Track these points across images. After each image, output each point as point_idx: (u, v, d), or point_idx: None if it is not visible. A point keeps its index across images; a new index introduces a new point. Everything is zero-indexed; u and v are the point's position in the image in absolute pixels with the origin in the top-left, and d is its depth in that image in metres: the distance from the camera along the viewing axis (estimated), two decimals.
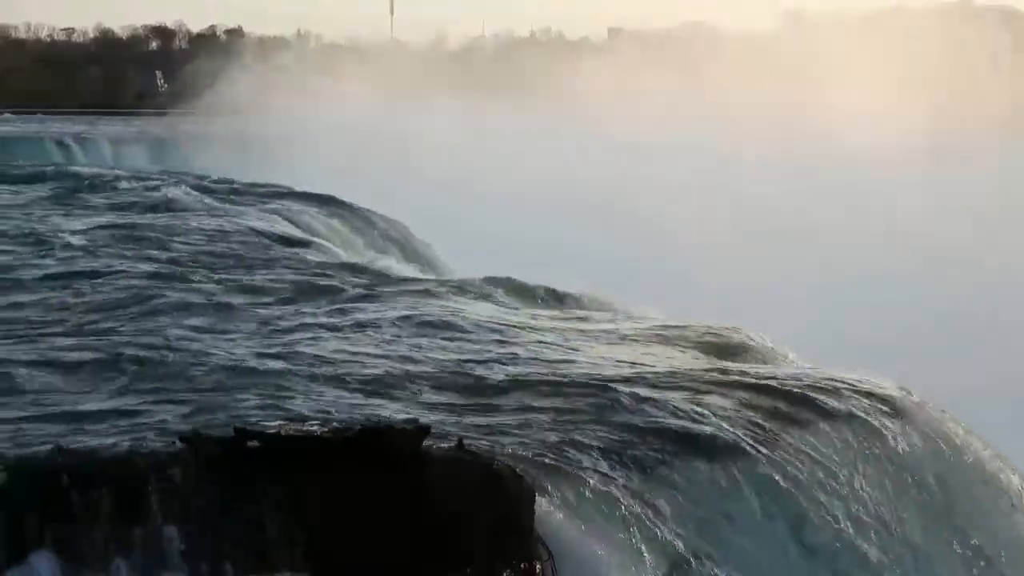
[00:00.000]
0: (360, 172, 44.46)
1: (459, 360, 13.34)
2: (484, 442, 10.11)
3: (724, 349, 15.12)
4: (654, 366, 13.53)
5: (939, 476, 12.30)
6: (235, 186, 34.96)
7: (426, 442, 9.16)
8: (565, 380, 12.69)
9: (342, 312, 15.95)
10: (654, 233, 39.82)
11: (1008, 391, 24.17)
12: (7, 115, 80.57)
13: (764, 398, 12.30)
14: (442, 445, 9.39)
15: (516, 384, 12.44)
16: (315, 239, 25.56)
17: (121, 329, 14.27)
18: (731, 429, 11.43)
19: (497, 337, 14.71)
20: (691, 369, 13.47)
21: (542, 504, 9.38)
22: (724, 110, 54.88)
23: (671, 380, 12.81)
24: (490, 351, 13.90)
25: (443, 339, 14.36)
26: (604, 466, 10.32)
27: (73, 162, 52.43)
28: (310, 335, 14.27)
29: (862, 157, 48.94)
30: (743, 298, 28.52)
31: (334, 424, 9.58)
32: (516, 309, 17.25)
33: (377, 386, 12.14)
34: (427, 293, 17.53)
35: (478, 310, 16.52)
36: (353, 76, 69.61)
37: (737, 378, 13.02)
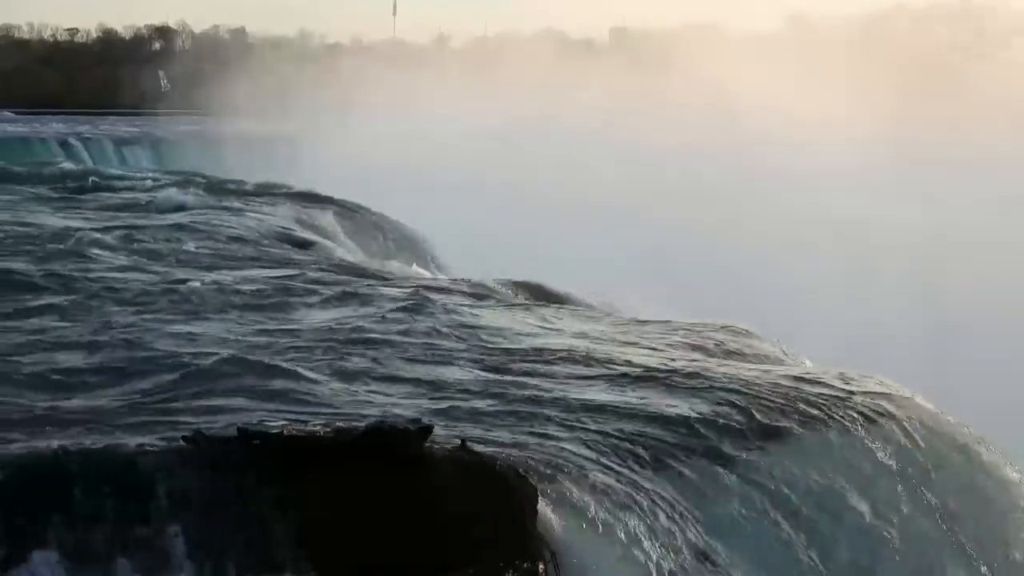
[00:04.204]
0: (362, 172, 44.46)
1: (461, 360, 13.34)
2: (486, 442, 10.11)
3: (729, 348, 15.13)
4: (658, 365, 13.53)
5: (944, 478, 12.30)
6: (238, 186, 35.01)
7: (428, 442, 9.16)
8: (567, 379, 12.70)
9: (345, 312, 15.96)
10: (656, 233, 39.83)
11: (1013, 393, 24.15)
12: (10, 115, 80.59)
13: (769, 398, 12.30)
14: (445, 445, 9.39)
15: (518, 383, 12.45)
16: (318, 239, 25.59)
17: (124, 329, 14.26)
18: (736, 429, 11.43)
19: (499, 336, 14.71)
20: (696, 368, 13.46)
21: (544, 504, 9.38)
22: (724, 109, 54.82)
23: (675, 379, 12.81)
24: (492, 350, 13.90)
25: (445, 339, 14.36)
26: (607, 466, 10.31)
27: (76, 162, 52.46)
28: (312, 335, 14.27)
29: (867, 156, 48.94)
30: (746, 298, 28.52)
31: (337, 424, 9.58)
32: (518, 308, 17.25)
33: (380, 386, 12.14)
34: (429, 293, 17.52)
35: (480, 309, 16.52)
36: (356, 75, 69.58)
37: (742, 378, 13.02)
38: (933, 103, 51.80)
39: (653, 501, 10.13)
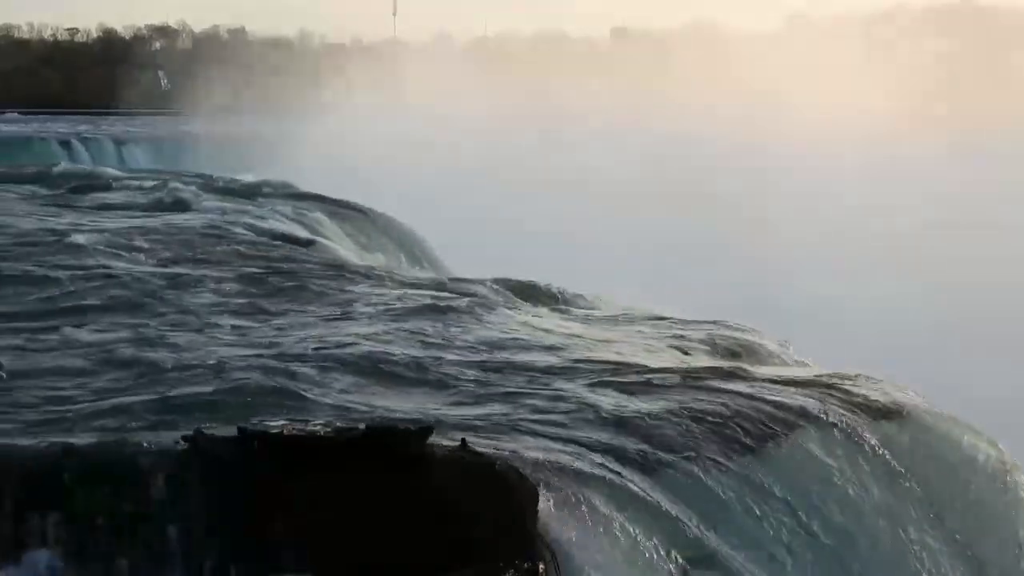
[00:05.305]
0: (362, 171, 44.48)
1: (461, 360, 13.31)
2: (487, 442, 10.09)
3: (730, 349, 15.11)
4: (659, 365, 13.51)
5: (944, 480, 12.27)
6: (238, 185, 35.02)
7: (429, 442, 9.14)
8: (568, 380, 12.68)
9: (344, 312, 15.94)
10: (656, 232, 39.84)
11: (1015, 394, 24.11)
12: (10, 115, 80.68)
13: (770, 399, 12.28)
14: (445, 445, 9.37)
15: (519, 384, 12.43)
16: (318, 238, 25.58)
17: (124, 328, 14.25)
18: (737, 429, 11.42)
19: (499, 337, 14.69)
20: (696, 369, 13.45)
21: (545, 504, 9.35)
22: (721, 110, 54.87)
23: (676, 379, 12.79)
24: (492, 350, 13.88)
25: (445, 339, 14.34)
26: (608, 466, 10.29)
27: (77, 162, 52.51)
28: (312, 334, 14.25)
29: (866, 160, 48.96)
30: (748, 298, 28.51)
31: (337, 424, 9.55)
32: (519, 308, 17.23)
33: (380, 386, 12.12)
34: (429, 292, 17.51)
35: (479, 309, 16.49)
36: (355, 76, 69.64)
37: (743, 378, 13.00)
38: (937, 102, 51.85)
39: (654, 501, 10.11)
